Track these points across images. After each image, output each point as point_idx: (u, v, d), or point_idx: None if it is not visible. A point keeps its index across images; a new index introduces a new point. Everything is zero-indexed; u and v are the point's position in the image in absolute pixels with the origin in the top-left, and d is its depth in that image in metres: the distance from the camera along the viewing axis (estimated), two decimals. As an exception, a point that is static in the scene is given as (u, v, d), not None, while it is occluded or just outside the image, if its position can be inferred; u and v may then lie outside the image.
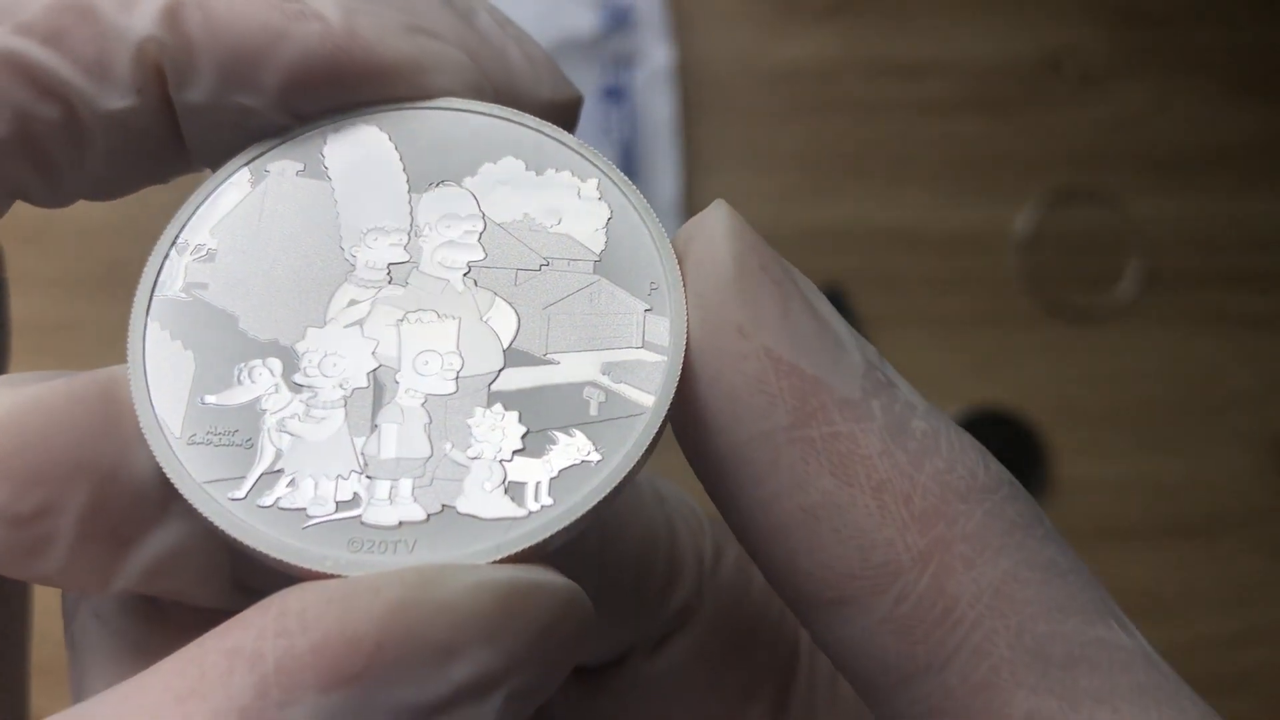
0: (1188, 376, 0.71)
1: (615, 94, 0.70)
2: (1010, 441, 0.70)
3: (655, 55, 0.70)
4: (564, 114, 0.18)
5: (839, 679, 0.23)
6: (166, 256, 0.16)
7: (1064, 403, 0.70)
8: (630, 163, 0.69)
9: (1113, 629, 0.15)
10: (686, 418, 0.16)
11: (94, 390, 0.15)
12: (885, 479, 0.15)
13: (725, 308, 0.15)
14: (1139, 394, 0.71)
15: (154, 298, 0.16)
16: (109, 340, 0.66)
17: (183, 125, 0.16)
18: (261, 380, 0.15)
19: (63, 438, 0.14)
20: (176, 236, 0.16)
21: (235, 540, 0.14)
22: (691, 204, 0.70)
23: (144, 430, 0.15)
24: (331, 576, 0.14)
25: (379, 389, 0.15)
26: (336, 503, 0.15)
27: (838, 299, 0.70)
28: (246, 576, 0.16)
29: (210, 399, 0.15)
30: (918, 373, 0.76)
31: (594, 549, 0.20)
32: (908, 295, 0.70)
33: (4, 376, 0.15)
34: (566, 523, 0.15)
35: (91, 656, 0.16)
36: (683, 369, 0.16)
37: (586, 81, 0.69)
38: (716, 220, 0.16)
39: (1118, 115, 0.73)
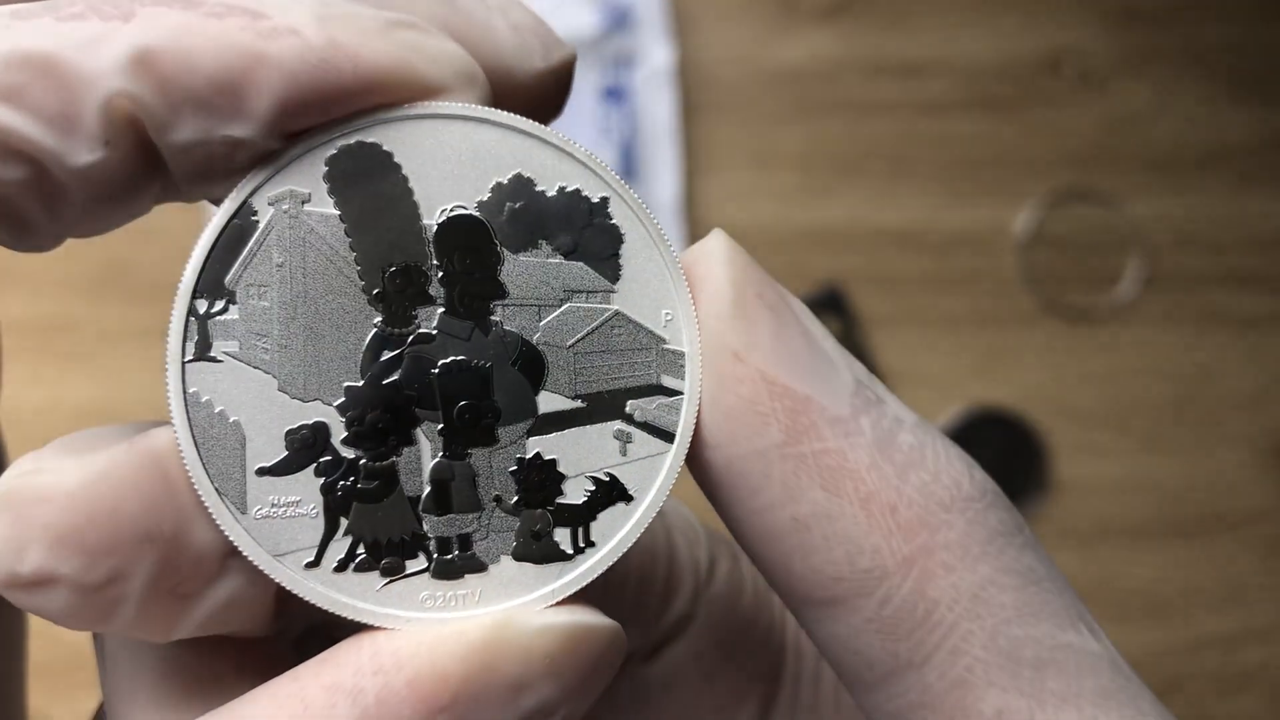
0: (1188, 376, 0.71)
1: (615, 94, 0.70)
2: (1010, 441, 0.70)
3: (655, 55, 0.71)
4: (559, 77, 0.18)
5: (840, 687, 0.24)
6: (188, 316, 0.16)
7: (1064, 403, 0.70)
8: (630, 163, 0.69)
9: (1082, 634, 0.16)
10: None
11: (152, 459, 0.15)
12: (872, 491, 0.15)
13: (723, 334, 0.16)
14: (1139, 394, 0.71)
15: (186, 364, 0.16)
16: (109, 340, 0.66)
17: (170, 164, 0.15)
18: (313, 447, 0.16)
19: (130, 509, 0.15)
20: (194, 292, 0.16)
21: (317, 607, 0.15)
22: (691, 204, 0.70)
23: (210, 509, 0.15)
24: None
25: (426, 445, 0.16)
26: (404, 563, 0.16)
27: (838, 299, 0.70)
28: (285, 606, 0.17)
29: (267, 469, 0.16)
30: (918, 373, 0.76)
31: None
32: (908, 295, 0.70)
33: (62, 441, 0.15)
34: (609, 563, 0.16)
35: (125, 663, 0.17)
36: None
37: (586, 82, 0.69)
38: (715, 249, 0.17)
39: (1118, 115, 0.73)
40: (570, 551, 0.16)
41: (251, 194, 0.16)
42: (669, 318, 0.17)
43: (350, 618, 0.16)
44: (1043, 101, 0.73)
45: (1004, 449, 0.70)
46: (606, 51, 0.70)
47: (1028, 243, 0.71)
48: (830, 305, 0.69)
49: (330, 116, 0.16)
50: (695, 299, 0.16)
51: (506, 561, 0.16)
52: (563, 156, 0.17)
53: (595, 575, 0.16)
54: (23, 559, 0.14)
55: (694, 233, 0.69)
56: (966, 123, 0.72)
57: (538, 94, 0.18)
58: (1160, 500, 0.70)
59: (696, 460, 0.16)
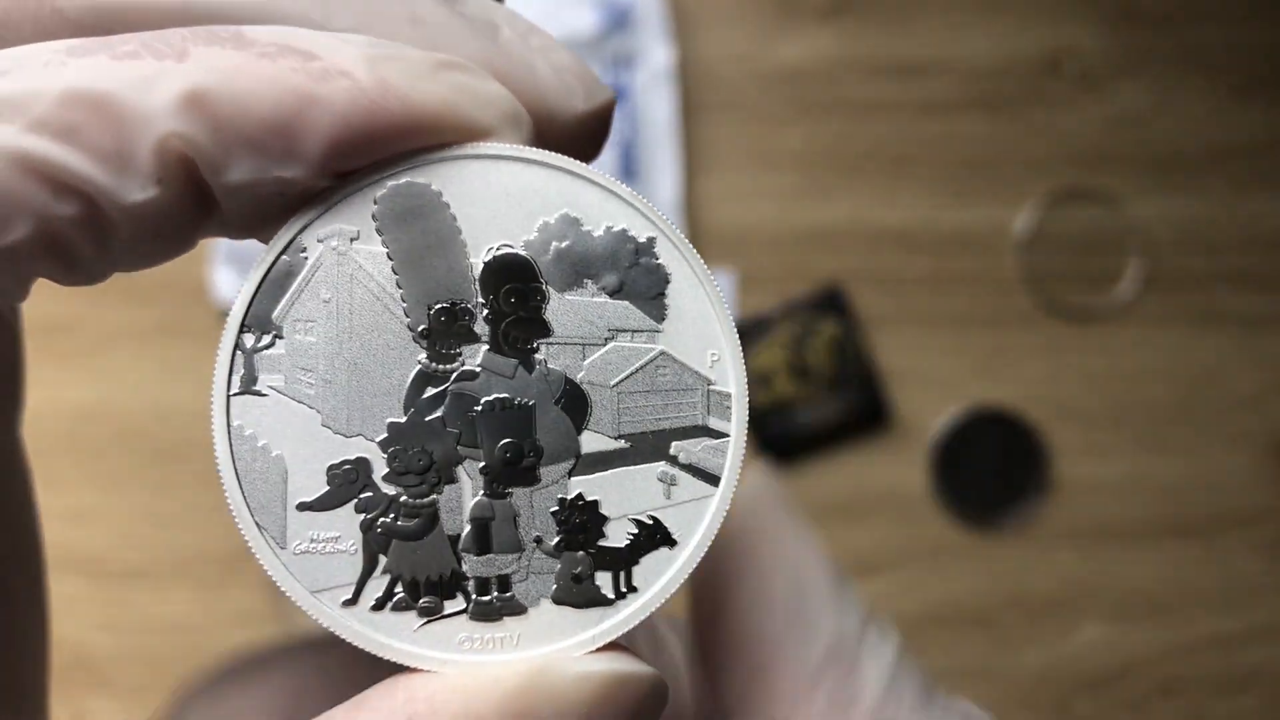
0: (1188, 376, 0.71)
1: (615, 94, 0.70)
2: (1010, 441, 0.70)
3: (655, 55, 0.70)
4: (600, 119, 0.18)
5: None
6: (235, 350, 0.16)
7: (1064, 403, 0.70)
8: (630, 163, 0.69)
9: None
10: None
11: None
12: None
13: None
14: (1139, 394, 0.71)
15: (231, 398, 0.16)
16: (109, 341, 0.66)
17: (221, 203, 0.15)
18: (354, 483, 0.16)
19: None
20: (241, 326, 0.16)
21: (354, 646, 0.15)
22: (691, 204, 0.70)
23: (249, 542, 0.15)
24: None
25: (467, 483, 0.16)
26: (443, 603, 0.16)
27: (838, 299, 0.70)
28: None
29: (307, 504, 0.16)
30: (918, 373, 0.76)
31: None
32: (908, 295, 0.70)
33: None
34: (651, 610, 0.16)
35: None
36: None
37: (586, 81, 0.69)
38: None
39: (1118, 115, 0.73)
40: (611, 596, 0.16)
41: (300, 231, 0.16)
42: (715, 358, 0.17)
43: (386, 658, 0.15)
44: (1043, 101, 0.73)
45: (1004, 449, 0.70)
46: (606, 51, 0.70)
47: (1028, 243, 0.71)
48: (830, 305, 0.70)
49: (379, 156, 0.16)
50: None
51: (546, 605, 0.16)
52: (609, 196, 0.17)
53: (637, 622, 0.16)
54: None
55: (694, 233, 0.69)
56: (966, 123, 0.72)
57: (579, 135, 0.18)
58: (1160, 500, 0.70)
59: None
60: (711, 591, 0.18)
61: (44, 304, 0.73)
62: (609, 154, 0.69)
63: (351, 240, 0.16)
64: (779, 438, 0.69)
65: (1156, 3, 0.74)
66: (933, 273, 0.71)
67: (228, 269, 0.66)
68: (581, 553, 0.16)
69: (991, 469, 0.69)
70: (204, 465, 0.66)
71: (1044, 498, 0.69)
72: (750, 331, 0.69)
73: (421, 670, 0.15)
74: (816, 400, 0.69)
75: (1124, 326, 0.71)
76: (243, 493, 0.15)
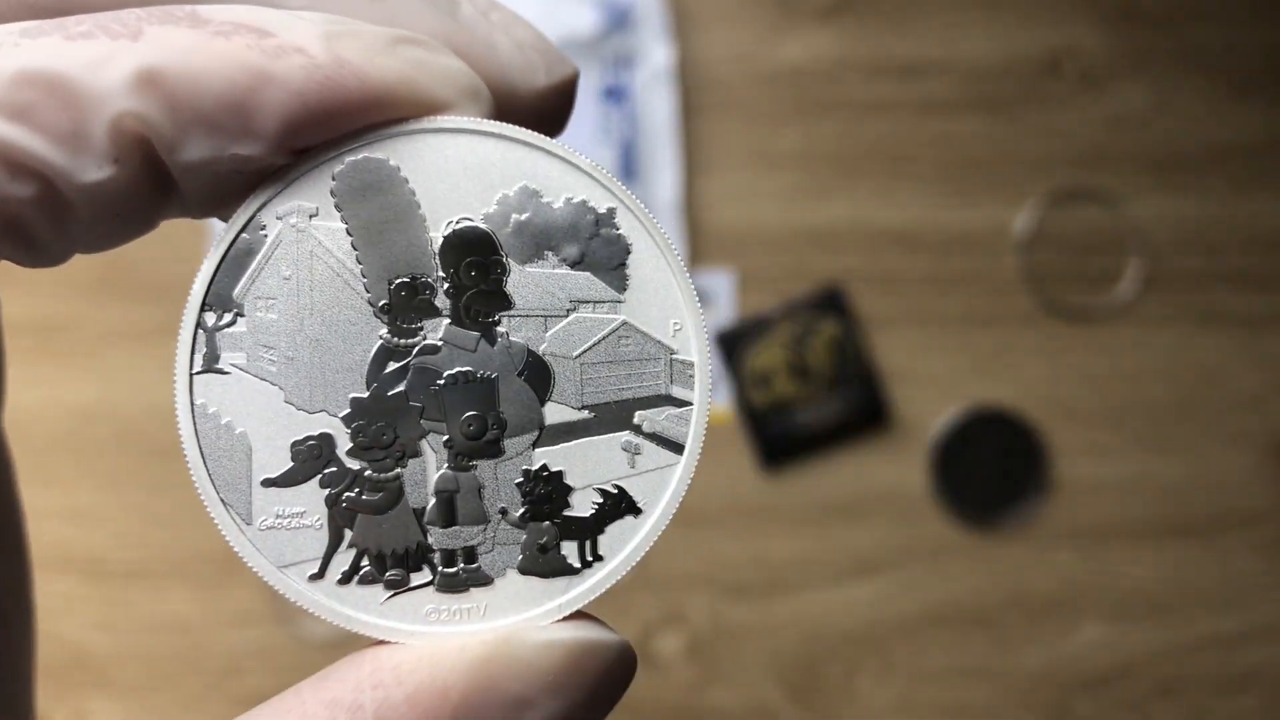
0: (1188, 376, 0.71)
1: (615, 94, 0.70)
2: (1010, 441, 0.70)
3: (655, 55, 0.70)
4: (562, 94, 0.18)
5: None
6: (196, 329, 0.16)
7: (1064, 403, 0.70)
8: (630, 163, 0.69)
9: None
10: None
11: None
12: None
13: None
14: (1139, 394, 0.71)
15: (194, 376, 0.16)
16: (108, 340, 0.66)
17: (179, 181, 0.15)
18: (319, 459, 0.16)
19: None
20: (201, 305, 0.16)
21: (320, 619, 0.16)
22: (691, 204, 0.70)
23: (214, 519, 0.15)
24: None
25: (431, 456, 0.16)
26: (409, 575, 0.16)
27: (838, 299, 0.70)
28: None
29: (272, 480, 0.16)
30: (918, 373, 0.76)
31: None
32: (908, 295, 0.70)
33: None
34: (617, 578, 0.16)
35: None
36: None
37: (586, 82, 0.69)
38: None
39: (1118, 115, 0.73)
40: (577, 565, 0.16)
41: (259, 209, 0.16)
42: (678, 327, 0.17)
43: (354, 630, 0.16)
44: (1043, 101, 0.73)
45: (1004, 449, 0.70)
46: (606, 51, 0.70)
47: (1028, 243, 0.71)
48: (830, 305, 0.69)
49: (337, 133, 0.16)
50: None
51: (512, 575, 0.16)
52: (568, 168, 0.17)
53: (603, 590, 0.16)
54: None
55: (694, 233, 0.69)
56: (966, 123, 0.72)
57: (541, 111, 0.18)
58: (1160, 500, 0.70)
59: None
60: None
61: (44, 304, 0.73)
62: (609, 153, 0.69)
63: (310, 217, 0.16)
64: (779, 438, 0.69)
65: (1156, 3, 0.74)
66: (933, 273, 0.71)
67: (227, 269, 0.66)
68: (547, 523, 0.16)
69: (991, 469, 0.69)
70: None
71: (1044, 498, 0.69)
72: (750, 331, 0.69)
73: (389, 642, 0.15)
74: (816, 400, 0.69)
75: (1124, 326, 0.71)
76: (207, 470, 0.16)
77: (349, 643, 0.63)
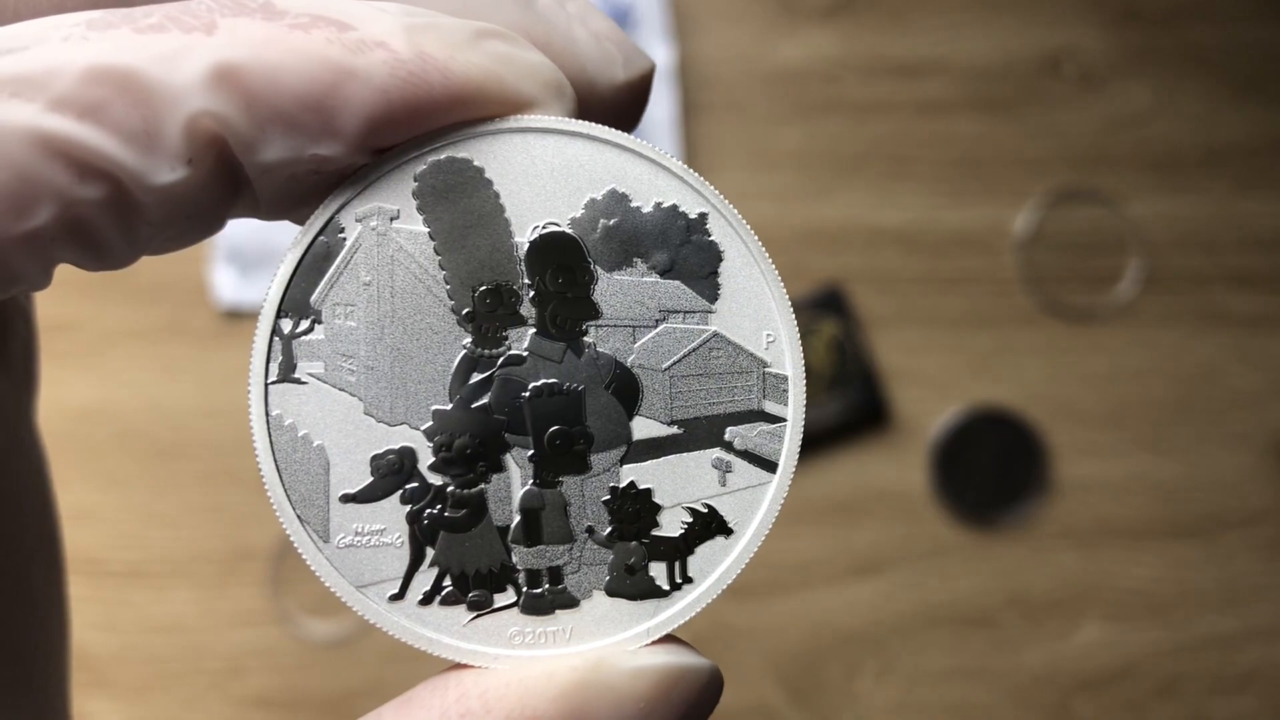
0: (1188, 376, 0.71)
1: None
2: (1010, 441, 0.70)
3: (655, 55, 0.70)
4: (639, 88, 0.17)
5: None
6: (272, 334, 0.15)
7: (1064, 403, 0.70)
8: (630, 163, 0.69)
9: None
10: None
11: None
12: None
13: None
14: (1139, 394, 0.71)
15: (269, 386, 0.15)
16: (110, 340, 0.66)
17: (254, 183, 0.15)
18: (399, 473, 0.15)
19: None
20: (278, 311, 0.15)
21: (401, 641, 0.15)
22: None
23: (291, 537, 0.15)
24: None
25: (516, 472, 0.15)
26: (493, 596, 0.15)
27: (838, 299, 0.70)
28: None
29: (351, 496, 0.15)
30: (918, 373, 0.76)
31: None
32: (908, 295, 0.70)
33: None
34: (707, 601, 0.15)
35: None
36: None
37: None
38: None
39: (1118, 115, 0.73)
40: (666, 588, 0.15)
41: (338, 211, 0.15)
42: (771, 339, 0.16)
43: (436, 654, 0.15)
44: (1043, 101, 0.73)
45: (1004, 449, 0.70)
46: (606, 51, 0.70)
47: (1028, 243, 0.71)
48: (830, 305, 0.69)
49: (419, 131, 0.15)
50: None
51: (599, 597, 0.15)
52: (659, 170, 0.16)
53: (693, 613, 0.15)
54: None
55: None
56: (966, 123, 0.72)
57: (618, 106, 0.17)
58: (1160, 500, 0.70)
59: None
60: None
61: (44, 303, 0.72)
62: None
63: (391, 219, 0.15)
64: (779, 438, 0.68)
65: (1156, 3, 0.74)
66: (932, 273, 0.71)
67: (228, 269, 0.66)
68: (635, 543, 0.15)
69: (991, 469, 0.69)
70: (204, 465, 0.66)
71: (1044, 498, 0.69)
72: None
73: (472, 666, 0.15)
74: (816, 400, 0.69)
75: (1124, 326, 0.71)
76: (283, 485, 0.15)
77: (351, 644, 0.63)
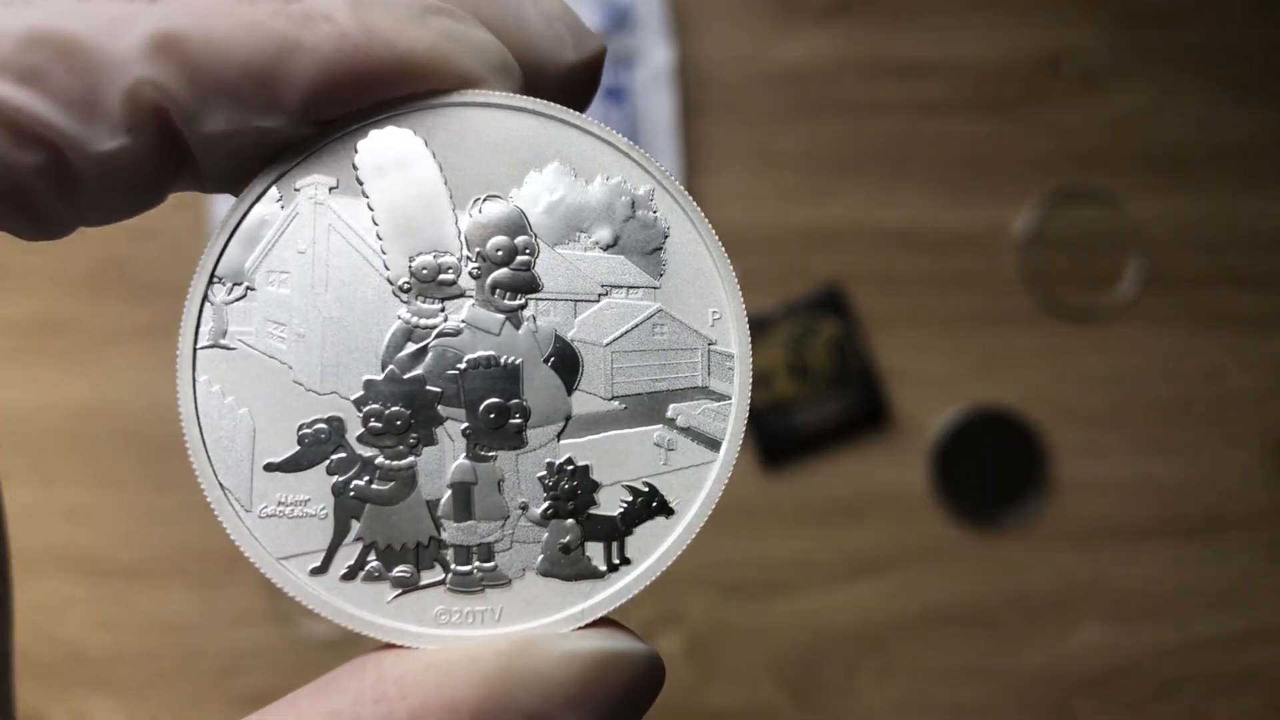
0: (1188, 376, 0.71)
1: (615, 94, 0.70)
2: (1010, 441, 0.70)
3: (655, 55, 0.70)
4: (589, 70, 0.17)
5: None
6: (204, 300, 0.15)
7: (1064, 403, 0.70)
8: (630, 162, 0.69)
9: None
10: None
11: None
12: None
13: None
14: (1139, 394, 0.71)
15: (198, 350, 0.15)
16: (106, 339, 0.66)
17: (195, 154, 0.15)
18: (326, 443, 0.15)
19: None
20: (211, 275, 0.15)
21: (321, 617, 0.14)
22: (691, 204, 0.70)
23: (211, 503, 0.14)
24: None
25: (449, 445, 0.15)
26: (419, 573, 0.15)
27: (838, 299, 0.70)
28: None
29: (275, 465, 0.15)
30: (918, 373, 0.76)
31: None
32: (908, 295, 0.70)
33: None
34: (646, 583, 0.15)
35: None
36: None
37: (586, 81, 0.69)
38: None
39: (1118, 115, 0.73)
40: (603, 569, 0.15)
41: (276, 180, 0.15)
42: (717, 316, 0.16)
43: (357, 631, 0.14)
44: (1043, 101, 0.73)
45: (1004, 449, 0.69)
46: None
47: (1028, 243, 0.71)
48: (830, 305, 0.69)
49: (363, 104, 0.15)
50: None
51: (531, 577, 0.15)
52: (604, 147, 0.16)
53: (630, 595, 0.15)
54: None
55: (694, 232, 0.69)
56: (966, 123, 0.72)
57: (568, 86, 0.17)
58: (1160, 500, 0.70)
59: None
60: None
61: (42, 302, 0.73)
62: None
63: (330, 190, 0.15)
64: (779, 437, 0.68)
65: (1156, 3, 0.74)
66: (932, 273, 0.71)
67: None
68: (571, 521, 0.15)
69: (991, 469, 0.69)
70: (203, 465, 0.66)
71: (1044, 498, 0.69)
72: (750, 331, 0.69)
73: (395, 646, 0.14)
74: (816, 400, 0.69)
75: (1124, 326, 0.71)
76: (206, 451, 0.14)
77: (351, 643, 0.63)
